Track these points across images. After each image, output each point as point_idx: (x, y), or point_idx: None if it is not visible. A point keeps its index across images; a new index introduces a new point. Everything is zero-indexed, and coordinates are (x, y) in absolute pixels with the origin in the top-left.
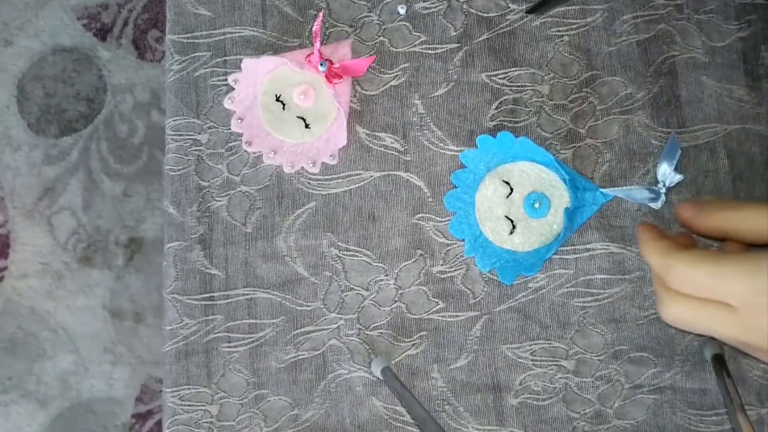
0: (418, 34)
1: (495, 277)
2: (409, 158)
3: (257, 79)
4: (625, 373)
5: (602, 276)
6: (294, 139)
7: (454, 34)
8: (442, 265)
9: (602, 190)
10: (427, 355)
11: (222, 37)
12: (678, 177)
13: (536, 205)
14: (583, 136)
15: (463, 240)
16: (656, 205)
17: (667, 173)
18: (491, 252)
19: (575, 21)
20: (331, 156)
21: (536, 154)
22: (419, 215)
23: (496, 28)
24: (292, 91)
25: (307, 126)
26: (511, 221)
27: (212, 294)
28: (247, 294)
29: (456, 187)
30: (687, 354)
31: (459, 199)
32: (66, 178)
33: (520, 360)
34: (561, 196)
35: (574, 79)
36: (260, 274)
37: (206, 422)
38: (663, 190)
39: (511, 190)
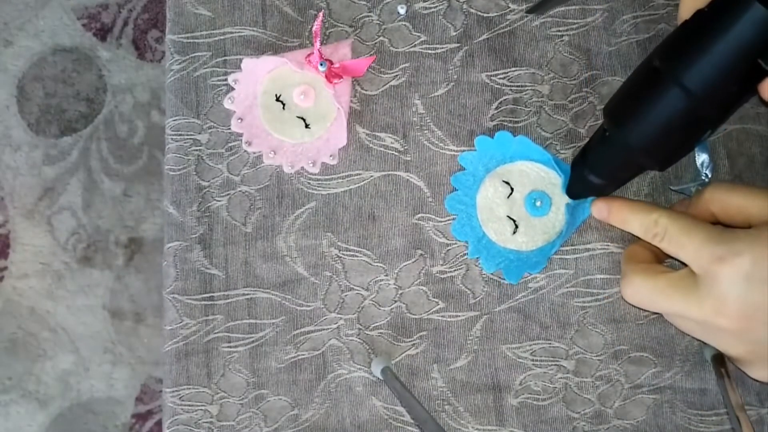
0: (418, 34)
1: (495, 277)
2: (409, 158)
3: (257, 79)
4: (625, 373)
5: (602, 276)
6: (294, 139)
7: (454, 34)
8: (442, 265)
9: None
10: (427, 355)
11: (222, 37)
12: (710, 165)
13: (537, 204)
14: (583, 136)
15: (464, 241)
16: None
17: (706, 162)
18: (495, 253)
19: (575, 21)
20: (331, 156)
21: (534, 152)
22: (419, 215)
23: (496, 28)
24: (292, 91)
25: (307, 126)
26: (514, 221)
27: (212, 294)
28: (247, 294)
29: (456, 190)
30: (687, 354)
31: (460, 202)
32: (66, 178)
33: (520, 360)
34: (561, 194)
35: (574, 79)
36: (260, 274)
37: (206, 422)
38: (709, 176)
39: (512, 190)
